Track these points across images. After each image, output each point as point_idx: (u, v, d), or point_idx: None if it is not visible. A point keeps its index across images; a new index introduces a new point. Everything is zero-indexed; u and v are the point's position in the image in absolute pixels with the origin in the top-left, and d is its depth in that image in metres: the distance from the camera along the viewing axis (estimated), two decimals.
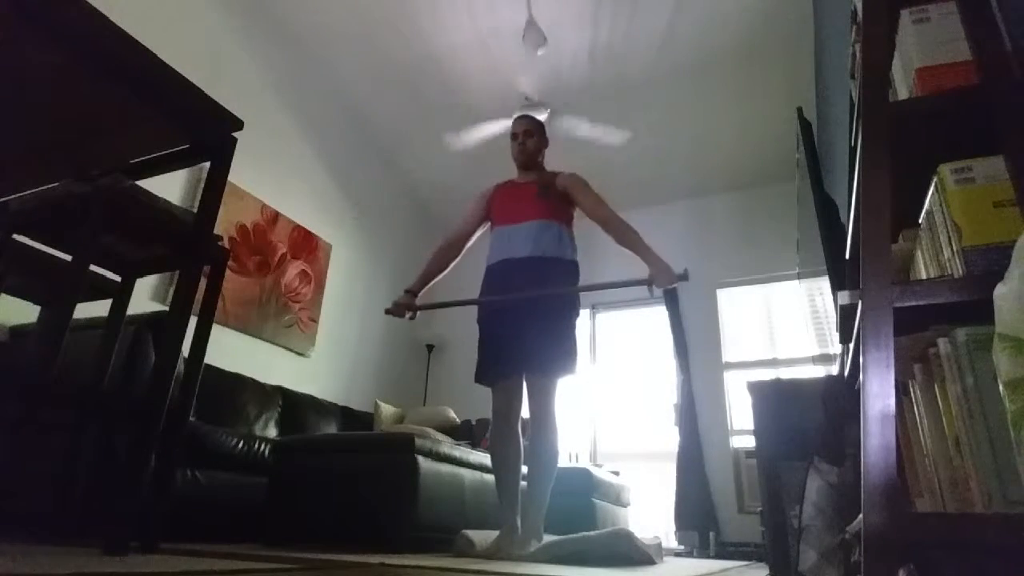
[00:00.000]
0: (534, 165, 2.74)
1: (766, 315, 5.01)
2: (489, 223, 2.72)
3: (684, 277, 2.26)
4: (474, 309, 2.65)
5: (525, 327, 2.41)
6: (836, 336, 1.28)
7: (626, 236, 2.45)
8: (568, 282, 2.54)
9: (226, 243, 3.73)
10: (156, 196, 1.65)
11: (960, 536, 0.75)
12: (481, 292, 2.60)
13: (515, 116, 2.98)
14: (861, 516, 0.77)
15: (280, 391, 3.70)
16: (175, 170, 1.72)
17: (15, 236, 1.71)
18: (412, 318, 2.67)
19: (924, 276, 1.01)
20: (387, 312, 2.64)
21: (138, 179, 1.58)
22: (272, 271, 4.20)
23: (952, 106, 0.93)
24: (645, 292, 2.36)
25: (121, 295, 1.92)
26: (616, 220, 2.50)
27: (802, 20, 3.77)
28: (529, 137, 2.72)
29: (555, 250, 2.52)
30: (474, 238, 2.77)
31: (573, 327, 2.51)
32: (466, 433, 4.20)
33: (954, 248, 0.88)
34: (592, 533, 2.38)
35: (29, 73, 1.19)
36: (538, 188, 2.64)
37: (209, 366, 2.80)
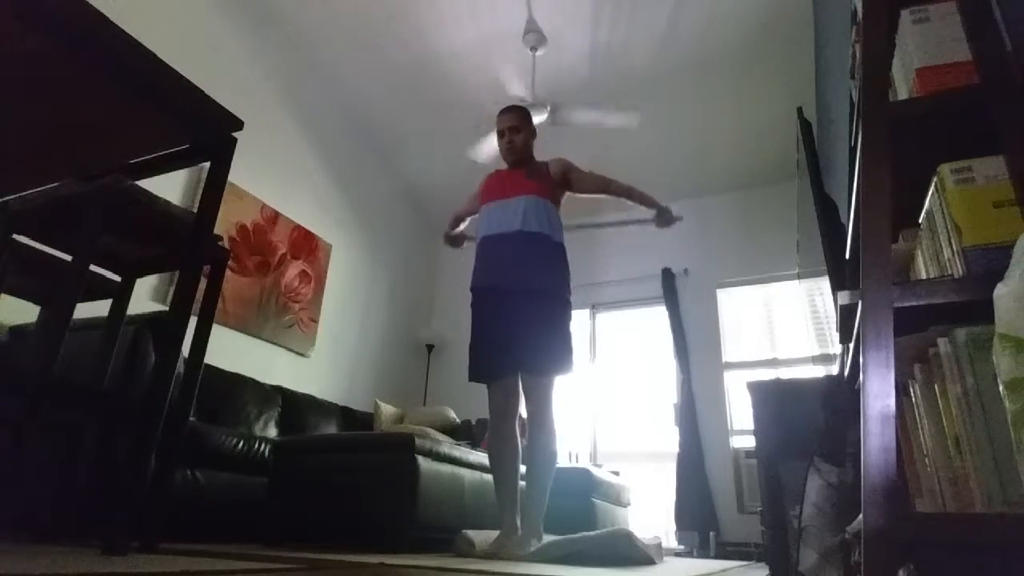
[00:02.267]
0: (524, 161, 2.69)
1: (766, 315, 5.00)
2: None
3: (679, 218, 2.72)
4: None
5: (520, 326, 2.40)
6: (836, 336, 1.28)
7: (631, 192, 2.72)
8: (555, 264, 2.53)
9: (226, 243, 3.73)
10: (156, 196, 1.65)
11: (960, 536, 0.75)
12: (475, 268, 2.59)
13: (499, 111, 2.75)
14: (861, 516, 0.77)
15: (280, 391, 3.70)
16: (175, 170, 1.72)
17: (15, 236, 1.71)
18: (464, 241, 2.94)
19: (924, 276, 1.01)
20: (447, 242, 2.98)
21: (138, 179, 1.58)
22: (272, 271, 4.20)
23: (952, 106, 0.93)
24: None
25: (121, 295, 1.92)
26: (615, 181, 2.73)
27: (802, 20, 3.76)
28: (516, 133, 2.65)
29: (543, 227, 2.52)
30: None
31: (568, 325, 2.51)
32: (466, 433, 4.20)
33: (954, 248, 0.88)
34: (592, 533, 2.38)
35: (29, 73, 1.19)
36: (527, 171, 2.65)
37: (209, 366, 2.80)
